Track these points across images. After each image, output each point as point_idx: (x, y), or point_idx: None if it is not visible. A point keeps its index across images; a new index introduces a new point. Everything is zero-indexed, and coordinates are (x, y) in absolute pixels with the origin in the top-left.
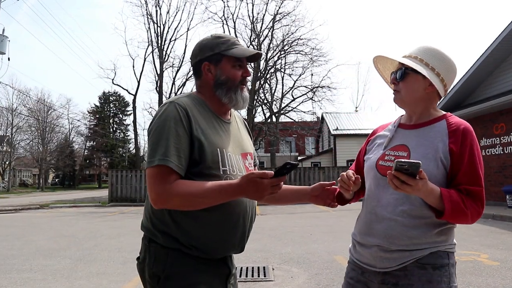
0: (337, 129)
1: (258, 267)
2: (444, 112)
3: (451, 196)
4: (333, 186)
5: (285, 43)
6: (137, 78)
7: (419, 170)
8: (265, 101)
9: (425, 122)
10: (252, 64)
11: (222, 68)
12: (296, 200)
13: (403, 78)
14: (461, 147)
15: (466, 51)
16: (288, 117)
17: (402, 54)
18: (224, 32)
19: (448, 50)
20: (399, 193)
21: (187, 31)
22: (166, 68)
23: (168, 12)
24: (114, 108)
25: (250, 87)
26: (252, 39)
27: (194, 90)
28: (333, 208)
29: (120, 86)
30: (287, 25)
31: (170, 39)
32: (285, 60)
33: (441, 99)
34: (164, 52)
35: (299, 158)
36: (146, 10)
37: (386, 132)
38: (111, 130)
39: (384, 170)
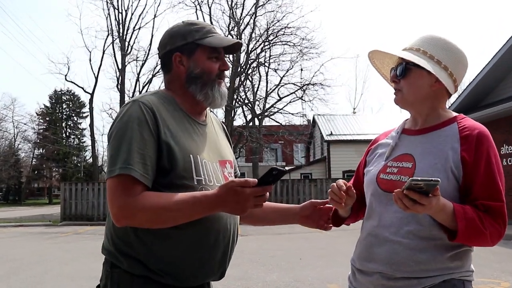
0: (331, 134)
1: None
2: (455, 114)
3: (465, 213)
4: (327, 205)
5: (269, 32)
6: (94, 74)
7: (435, 188)
8: (246, 101)
9: (433, 126)
10: (231, 57)
11: (196, 60)
12: (282, 221)
13: (404, 74)
14: (476, 155)
15: (483, 43)
16: (274, 120)
17: (403, 46)
18: (198, 19)
19: (457, 39)
20: (403, 211)
21: (153, 18)
22: (129, 62)
23: None
24: (68, 110)
25: (228, 84)
26: (230, 28)
27: (163, 87)
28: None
29: (74, 84)
30: (272, 11)
31: (134, 27)
32: (270, 52)
33: (451, 97)
34: (126, 43)
35: (286, 168)
36: None
37: (388, 140)
38: (64, 135)
39: (386, 185)
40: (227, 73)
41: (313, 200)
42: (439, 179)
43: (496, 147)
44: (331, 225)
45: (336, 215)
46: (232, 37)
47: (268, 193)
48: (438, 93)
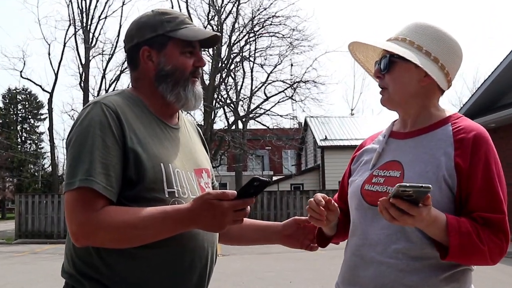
0: (325, 139)
1: None
2: (450, 113)
3: (460, 227)
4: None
5: (255, 22)
6: (54, 70)
7: (426, 196)
8: (228, 101)
9: (424, 128)
10: (210, 50)
11: (167, 55)
12: (262, 240)
13: (388, 68)
14: (472, 160)
15: (498, 35)
16: (260, 122)
17: (389, 36)
18: (172, 7)
19: (450, 28)
20: (391, 227)
21: (122, 6)
22: (94, 56)
23: None
24: (24, 111)
25: (208, 82)
26: (210, 17)
27: (131, 86)
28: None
29: (31, 81)
30: None
31: (99, 16)
32: (256, 45)
33: (444, 93)
34: (90, 35)
35: (274, 178)
36: None
37: (375, 145)
38: (19, 140)
39: (372, 197)
40: (204, 69)
41: (296, 217)
42: (430, 186)
43: (496, 151)
44: (316, 245)
45: (321, 233)
46: (212, 28)
47: (249, 207)
48: (429, 89)
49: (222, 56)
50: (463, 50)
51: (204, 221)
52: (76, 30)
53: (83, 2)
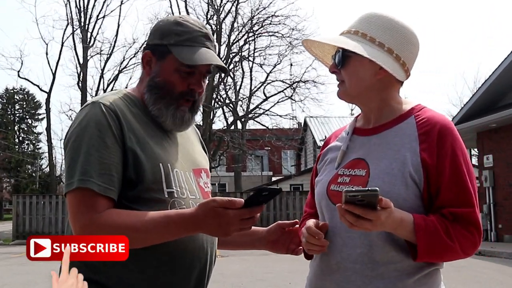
0: (325, 139)
1: None
2: (412, 105)
3: (426, 225)
4: (297, 226)
5: (254, 21)
6: (52, 70)
7: (378, 199)
8: (228, 101)
9: (387, 123)
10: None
11: (162, 67)
12: (249, 245)
13: (343, 64)
14: (439, 154)
15: (498, 35)
16: (259, 122)
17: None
18: (171, 7)
19: (450, 28)
20: (353, 231)
21: (120, 6)
22: (92, 56)
23: None
24: (21, 111)
25: (207, 82)
26: (209, 17)
27: (131, 84)
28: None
29: (28, 81)
30: None
31: (97, 16)
32: (255, 44)
33: (403, 84)
34: (89, 34)
35: (273, 178)
36: None
37: (338, 143)
38: (17, 140)
39: (338, 198)
40: (202, 95)
41: (280, 222)
42: (377, 188)
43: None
44: (301, 248)
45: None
46: (211, 27)
47: (258, 214)
48: (386, 82)
49: (221, 56)
50: (419, 37)
51: (209, 228)
52: (74, 29)
53: (81, 1)
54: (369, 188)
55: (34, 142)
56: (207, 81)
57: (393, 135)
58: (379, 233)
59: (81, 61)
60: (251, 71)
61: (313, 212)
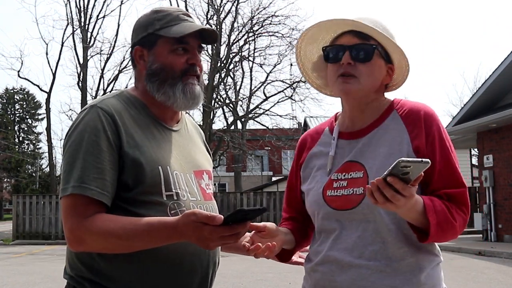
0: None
1: None
2: (390, 99)
3: (435, 206)
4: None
5: (254, 21)
6: (52, 70)
7: (419, 175)
8: (227, 101)
9: (374, 123)
10: (209, 50)
11: (156, 54)
12: (235, 250)
13: (370, 58)
14: (428, 140)
15: (498, 35)
16: (259, 122)
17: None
18: (171, 5)
19: (450, 28)
20: (364, 229)
21: (120, 6)
22: (92, 56)
23: None
24: (21, 111)
25: (207, 82)
26: (209, 17)
27: (131, 84)
28: None
29: (28, 81)
30: None
31: (97, 16)
32: (255, 44)
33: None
34: (89, 34)
35: (273, 178)
36: None
37: (322, 148)
38: (17, 140)
39: (338, 202)
40: (203, 68)
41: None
42: (429, 160)
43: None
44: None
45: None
46: (211, 27)
47: (241, 232)
48: (383, 84)
49: (221, 56)
50: (417, 38)
51: (190, 239)
52: (74, 29)
53: (81, 1)
54: (423, 160)
55: (34, 142)
56: (202, 58)
57: (382, 133)
58: (389, 230)
59: (81, 61)
60: (251, 71)
61: (289, 217)
